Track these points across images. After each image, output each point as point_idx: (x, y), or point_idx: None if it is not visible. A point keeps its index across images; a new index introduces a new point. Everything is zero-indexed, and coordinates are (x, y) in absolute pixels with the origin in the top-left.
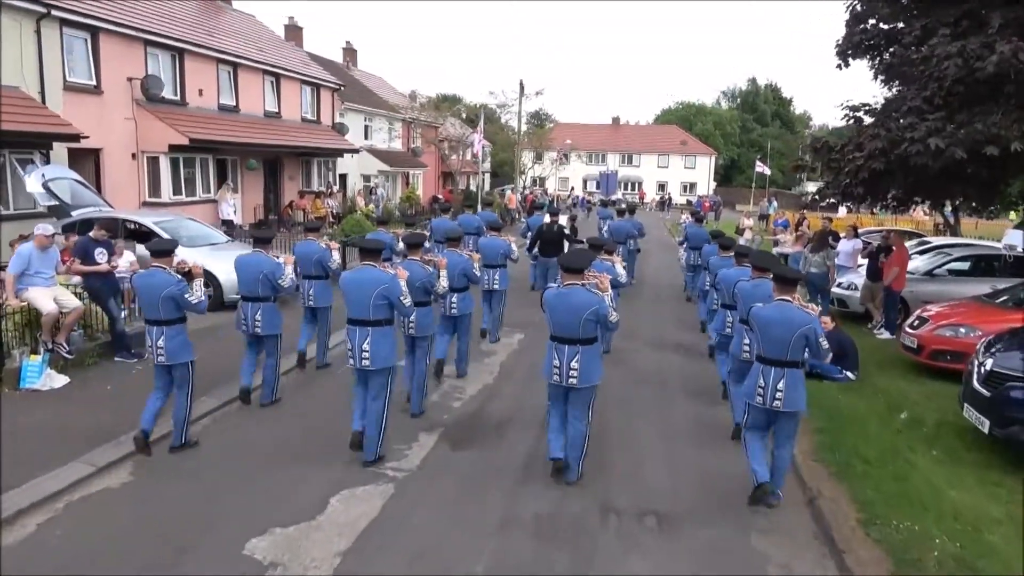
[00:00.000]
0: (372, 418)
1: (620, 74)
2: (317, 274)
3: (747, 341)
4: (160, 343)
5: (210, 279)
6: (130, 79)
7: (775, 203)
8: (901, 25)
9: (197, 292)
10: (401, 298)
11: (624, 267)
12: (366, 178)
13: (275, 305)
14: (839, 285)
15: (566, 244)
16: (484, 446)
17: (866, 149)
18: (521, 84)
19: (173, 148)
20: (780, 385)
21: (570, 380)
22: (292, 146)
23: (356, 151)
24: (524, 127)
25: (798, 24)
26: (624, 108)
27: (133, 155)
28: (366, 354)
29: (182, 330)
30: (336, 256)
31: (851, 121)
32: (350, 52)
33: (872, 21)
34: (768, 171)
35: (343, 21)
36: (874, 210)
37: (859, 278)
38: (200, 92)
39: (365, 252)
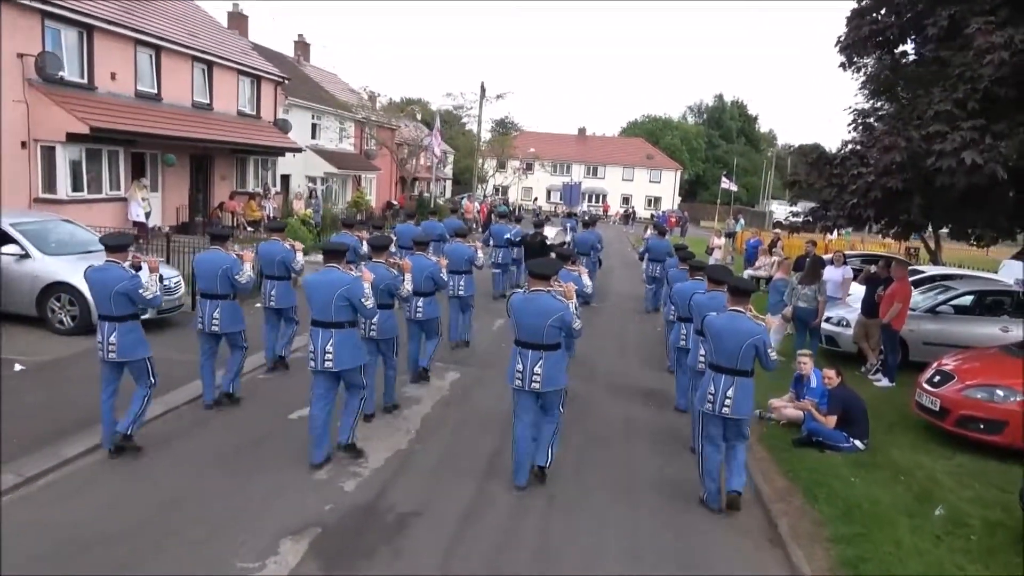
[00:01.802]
0: (348, 409)
1: (587, 85)
2: (279, 275)
3: (703, 353)
4: (112, 339)
5: (74, 295)
6: (21, 55)
7: (742, 221)
8: (910, 15)
9: (152, 287)
10: (363, 300)
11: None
12: (311, 180)
13: (235, 303)
14: (827, 320)
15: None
16: (371, 564)
17: (881, 163)
18: (482, 86)
19: (73, 138)
20: (730, 392)
21: (533, 385)
22: (224, 141)
23: (299, 150)
24: (488, 134)
25: (767, 42)
26: (590, 119)
27: (23, 143)
28: (329, 355)
29: (136, 327)
30: (300, 257)
31: (859, 128)
32: (302, 46)
33: (881, 13)
34: (734, 187)
35: (303, 21)
36: (840, 231)
37: (851, 312)
38: (113, 76)
39: (328, 254)
